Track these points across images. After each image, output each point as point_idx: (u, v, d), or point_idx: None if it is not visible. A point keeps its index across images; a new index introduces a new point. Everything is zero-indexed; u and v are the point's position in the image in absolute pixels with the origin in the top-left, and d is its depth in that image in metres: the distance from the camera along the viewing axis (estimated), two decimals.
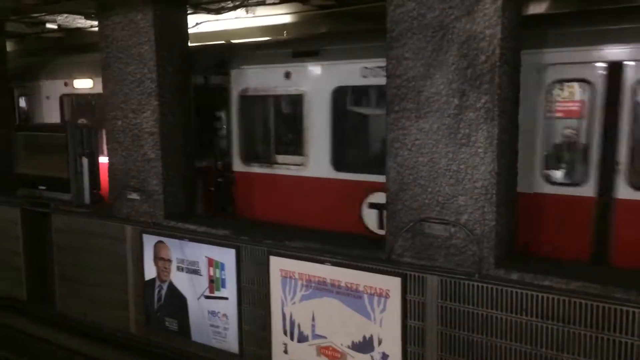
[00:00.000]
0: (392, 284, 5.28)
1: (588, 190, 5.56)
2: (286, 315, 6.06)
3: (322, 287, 5.75)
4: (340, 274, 5.61)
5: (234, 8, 9.50)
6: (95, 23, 10.55)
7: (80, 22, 10.86)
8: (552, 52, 5.62)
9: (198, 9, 9.05)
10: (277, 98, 7.72)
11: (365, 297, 5.47)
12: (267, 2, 9.26)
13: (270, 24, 9.93)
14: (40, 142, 8.85)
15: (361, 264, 5.48)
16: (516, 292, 4.72)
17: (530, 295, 4.65)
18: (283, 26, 9.78)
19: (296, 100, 7.40)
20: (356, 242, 5.93)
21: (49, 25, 11.28)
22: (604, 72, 5.46)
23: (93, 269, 7.81)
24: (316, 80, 7.16)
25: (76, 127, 8.46)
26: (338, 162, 7.14)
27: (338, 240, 6.04)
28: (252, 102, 7.83)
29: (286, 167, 7.61)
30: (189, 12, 7.90)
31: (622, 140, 5.37)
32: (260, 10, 9.92)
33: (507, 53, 4.84)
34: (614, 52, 5.42)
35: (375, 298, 5.40)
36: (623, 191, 5.39)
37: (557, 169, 5.92)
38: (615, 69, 5.39)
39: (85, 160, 8.27)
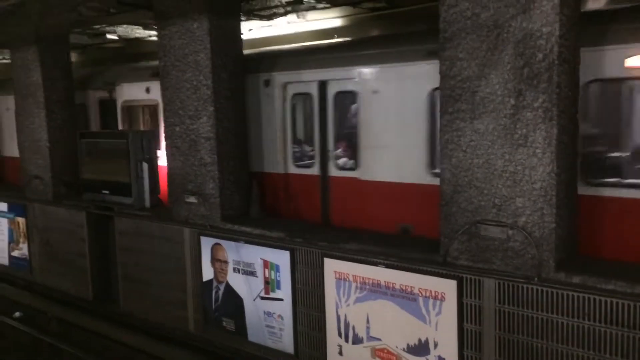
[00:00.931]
0: (447, 287, 5.23)
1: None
2: (341, 317, 6.10)
3: (376, 289, 5.76)
4: (395, 276, 5.60)
5: (285, 13, 9.63)
6: (153, 32, 11.01)
7: (139, 32, 11.27)
8: None
9: (251, 15, 9.23)
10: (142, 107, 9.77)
11: (420, 299, 5.44)
12: (318, 6, 9.34)
13: (321, 28, 9.99)
14: (102, 148, 9.23)
15: (416, 266, 5.46)
16: (578, 296, 4.59)
17: (593, 299, 4.51)
18: (334, 30, 9.82)
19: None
20: (411, 245, 5.91)
21: (109, 36, 11.76)
22: None
23: (154, 269, 8.09)
24: None
25: (136, 133, 8.80)
26: None
27: (392, 242, 6.04)
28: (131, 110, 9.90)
29: None
30: (242, 19, 8.08)
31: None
32: (311, 15, 10.00)
33: (565, 51, 4.72)
34: None
35: (431, 301, 5.37)
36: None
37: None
38: None
39: (145, 166, 8.58)
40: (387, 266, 5.65)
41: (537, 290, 4.78)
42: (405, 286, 5.52)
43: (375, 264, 5.73)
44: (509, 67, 4.86)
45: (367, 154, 6.88)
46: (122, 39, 12.10)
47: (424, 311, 5.42)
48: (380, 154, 6.74)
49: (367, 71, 6.82)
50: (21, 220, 10.35)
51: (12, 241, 10.67)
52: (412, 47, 6.56)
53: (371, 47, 7.20)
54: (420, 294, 5.44)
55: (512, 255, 4.99)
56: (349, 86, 7.07)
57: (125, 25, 10.74)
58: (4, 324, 9.09)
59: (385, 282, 5.67)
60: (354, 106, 7.18)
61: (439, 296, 5.30)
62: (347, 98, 7.25)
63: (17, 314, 9.37)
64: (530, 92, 4.77)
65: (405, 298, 5.54)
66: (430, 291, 5.36)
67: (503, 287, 4.94)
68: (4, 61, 15.62)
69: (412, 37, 7.01)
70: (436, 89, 5.78)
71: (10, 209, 10.60)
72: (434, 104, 6.12)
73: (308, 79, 7.43)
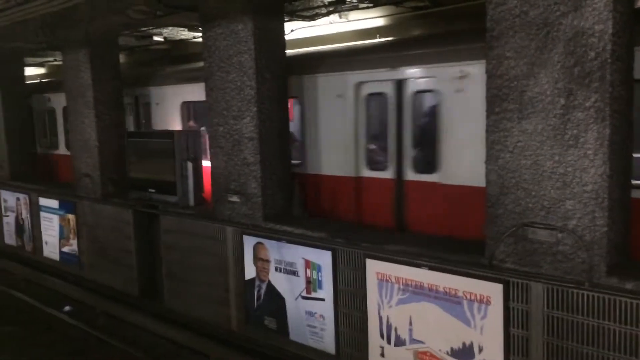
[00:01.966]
0: (493, 291, 5.13)
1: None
2: (383, 319, 6.06)
3: (419, 292, 5.70)
4: (439, 279, 5.53)
5: (328, 14, 9.62)
6: (198, 34, 11.19)
7: (184, 34, 11.46)
8: None
9: (293, 16, 9.26)
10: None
11: (465, 302, 5.36)
12: (360, 6, 9.30)
13: (364, 28, 9.96)
14: (149, 147, 9.45)
15: (460, 269, 5.38)
16: (631, 303, 4.43)
17: None
18: (376, 29, 9.77)
19: None
20: (455, 247, 5.82)
21: (155, 38, 12.01)
22: None
23: (197, 267, 8.23)
24: None
25: (181, 133, 8.98)
26: None
27: (436, 244, 5.97)
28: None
29: None
30: (285, 19, 8.13)
31: None
32: (354, 15, 9.97)
33: (619, 49, 4.55)
34: None
35: (476, 304, 5.28)
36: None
37: None
38: None
39: (189, 165, 8.75)
40: (431, 268, 5.58)
41: (587, 295, 4.64)
42: (450, 289, 5.45)
43: (419, 266, 5.68)
44: (559, 66, 4.73)
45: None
46: (167, 40, 12.33)
47: (468, 314, 5.33)
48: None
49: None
50: (71, 217, 10.71)
51: (63, 237, 11.05)
52: None
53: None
54: (464, 297, 5.36)
55: (562, 259, 4.86)
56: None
57: (171, 28, 10.94)
58: (54, 318, 9.41)
59: (428, 284, 5.61)
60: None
61: (485, 300, 5.20)
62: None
63: (66, 307, 9.67)
64: (581, 91, 4.63)
65: (449, 301, 5.47)
66: (475, 294, 5.27)
67: (552, 291, 4.81)
68: (56, 62, 16.22)
69: None
70: None
71: (61, 206, 10.98)
72: None
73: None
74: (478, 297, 5.26)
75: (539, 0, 4.78)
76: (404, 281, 5.81)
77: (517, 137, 5.01)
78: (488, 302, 5.19)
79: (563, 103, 4.73)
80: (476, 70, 6.23)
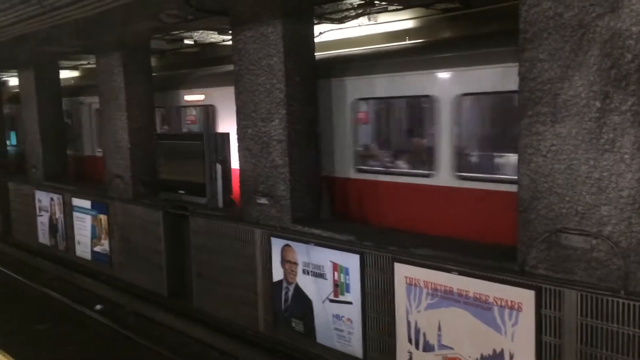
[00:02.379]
0: (525, 297, 5.04)
1: None
2: (411, 323, 6.01)
3: (448, 297, 5.64)
4: (469, 284, 5.46)
5: (357, 16, 9.60)
6: (227, 37, 11.29)
7: (214, 37, 11.58)
8: None
9: (322, 19, 9.27)
10: None
11: (496, 309, 5.28)
12: (390, 8, 9.26)
13: (393, 30, 9.91)
14: (179, 149, 9.57)
15: (491, 274, 5.30)
16: None
17: None
18: (405, 32, 9.71)
19: None
20: (486, 252, 5.74)
21: (186, 41, 12.17)
22: None
23: (226, 268, 8.30)
24: None
25: (211, 135, 9.07)
26: None
27: (466, 248, 5.90)
28: None
29: None
30: (314, 22, 8.15)
31: None
32: (383, 17, 9.93)
33: None
34: None
35: (507, 311, 5.19)
36: None
37: None
38: None
39: (218, 167, 8.83)
40: (461, 273, 5.51)
41: (623, 303, 4.52)
42: (480, 294, 5.37)
43: (448, 271, 5.61)
44: (595, 68, 4.62)
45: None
46: (197, 44, 12.48)
47: (499, 321, 5.25)
48: None
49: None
50: (103, 217, 10.91)
51: (95, 237, 11.27)
52: None
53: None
54: (495, 303, 5.27)
55: (596, 266, 4.74)
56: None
57: (201, 31, 11.07)
58: (86, 316, 9.59)
59: (458, 289, 5.54)
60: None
61: (516, 306, 5.11)
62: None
63: (97, 306, 9.85)
64: (618, 94, 4.52)
65: (479, 307, 5.39)
66: (507, 301, 5.18)
67: (586, 299, 4.70)
68: (89, 66, 16.57)
69: None
70: None
71: (93, 206, 11.20)
72: None
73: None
74: (509, 304, 5.17)
75: (574, 1, 4.69)
76: (432, 286, 5.76)
77: (550, 140, 4.92)
78: (519, 309, 5.10)
79: (599, 106, 4.62)
80: None
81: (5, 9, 8.52)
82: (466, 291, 5.48)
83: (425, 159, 7.18)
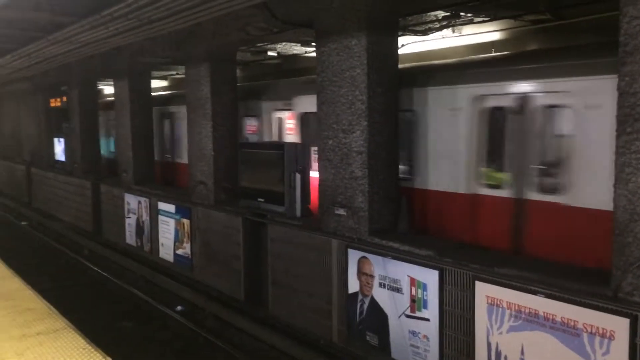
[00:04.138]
0: (618, 325, 4.74)
1: None
2: (491, 345, 5.80)
3: (533, 320, 5.40)
4: (556, 308, 5.20)
5: (441, 28, 9.50)
6: (310, 49, 11.49)
7: (297, 48, 11.83)
8: None
9: (405, 31, 9.23)
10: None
11: (585, 336, 4.99)
12: (475, 20, 9.08)
13: (478, 42, 9.71)
14: (260, 158, 9.80)
15: (581, 299, 5.02)
16: None
17: None
18: (491, 44, 9.49)
19: None
20: (576, 274, 5.45)
21: (270, 53, 12.50)
22: None
23: (302, 277, 8.37)
24: None
25: (291, 145, 9.22)
26: None
27: (554, 270, 5.63)
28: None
29: None
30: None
31: None
32: (468, 29, 9.76)
33: None
34: None
35: (597, 338, 4.90)
36: None
37: None
38: None
39: (298, 176, 8.95)
40: (547, 296, 5.26)
41: None
42: (568, 319, 5.11)
43: (534, 293, 5.38)
44: None
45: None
46: (280, 55, 12.78)
47: (588, 349, 4.96)
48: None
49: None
50: (186, 221, 11.34)
51: (177, 240, 11.73)
52: None
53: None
54: (584, 330, 4.99)
55: None
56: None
57: (284, 43, 11.33)
58: (167, 316, 9.97)
59: (544, 312, 5.30)
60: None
61: (608, 334, 4.82)
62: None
63: (178, 307, 10.22)
64: None
65: (566, 332, 5.12)
66: (597, 328, 4.89)
67: None
68: (177, 76, 17.38)
69: None
70: None
71: (177, 211, 11.67)
72: None
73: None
74: (600, 331, 4.88)
75: None
76: (516, 307, 5.53)
77: None
78: (612, 337, 4.80)
79: None
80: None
81: (106, 22, 9.09)
82: (553, 315, 5.23)
83: None
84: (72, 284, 12.11)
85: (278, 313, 8.96)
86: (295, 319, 8.58)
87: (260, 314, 9.23)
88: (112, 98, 15.52)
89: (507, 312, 5.62)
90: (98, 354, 5.26)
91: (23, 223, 18.96)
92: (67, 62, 14.58)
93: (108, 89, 21.04)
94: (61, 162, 18.78)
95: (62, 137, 18.57)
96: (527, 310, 5.44)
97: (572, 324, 5.07)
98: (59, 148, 18.94)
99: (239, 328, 9.10)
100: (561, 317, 5.15)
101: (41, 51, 12.55)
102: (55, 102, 18.79)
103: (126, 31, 9.50)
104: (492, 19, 8.72)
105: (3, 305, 6.75)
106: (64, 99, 17.91)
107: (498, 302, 5.71)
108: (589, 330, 4.96)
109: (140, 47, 12.46)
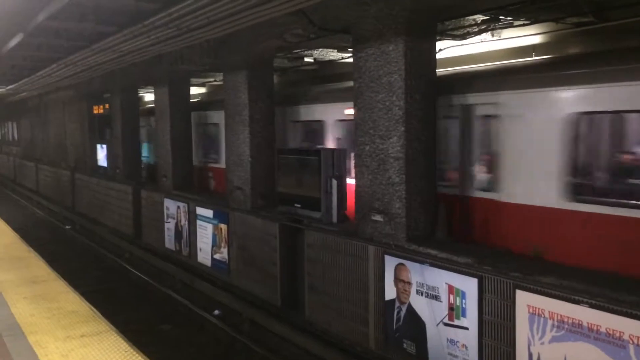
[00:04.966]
0: None
1: None
2: (533, 355, 5.67)
3: (577, 330, 5.25)
4: (600, 318, 5.05)
5: (480, 32, 9.36)
6: (346, 55, 11.50)
7: (333, 54, 11.86)
8: None
9: (443, 35, 9.14)
10: None
11: (631, 347, 4.83)
12: (516, 23, 8.92)
13: (518, 46, 9.53)
14: (297, 164, 9.85)
15: (627, 309, 4.86)
16: None
17: None
18: (532, 47, 9.30)
19: None
20: (622, 284, 5.27)
21: (306, 59, 12.57)
22: None
23: (338, 283, 8.36)
24: None
25: (328, 151, 9.23)
26: None
27: (598, 279, 5.45)
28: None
29: None
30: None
31: None
32: (507, 33, 9.59)
33: None
34: None
35: None
36: None
37: None
38: None
39: (334, 182, 8.96)
40: (592, 306, 5.11)
41: None
42: (613, 330, 4.94)
43: (577, 302, 5.23)
44: None
45: None
46: (316, 61, 12.83)
47: None
48: None
49: None
50: (223, 226, 11.48)
51: (215, 245, 11.87)
52: None
53: None
54: (631, 341, 4.83)
55: None
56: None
57: (321, 49, 11.38)
58: (205, 320, 10.10)
59: (588, 323, 5.14)
60: None
61: None
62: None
63: (216, 311, 10.32)
64: None
65: (612, 344, 4.96)
66: None
67: None
68: (215, 83, 17.65)
69: None
70: None
71: (215, 216, 11.83)
72: None
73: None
74: None
75: None
76: (559, 317, 5.39)
77: None
78: None
79: None
80: None
81: (147, 31, 9.31)
82: (597, 325, 5.07)
83: None
84: (114, 287, 12.41)
85: (314, 319, 8.96)
86: (331, 325, 8.56)
87: (297, 320, 9.24)
88: (152, 105, 15.88)
89: (550, 322, 5.48)
90: (140, 357, 5.37)
91: (67, 227, 19.54)
92: (110, 70, 14.98)
93: (148, 96, 21.55)
94: (104, 167, 19.30)
95: (104, 144, 19.09)
96: (570, 321, 5.29)
97: (618, 335, 4.91)
98: (102, 154, 19.47)
99: (275, 333, 9.12)
100: (606, 328, 5.00)
101: (85, 60, 12.94)
102: (98, 109, 19.33)
103: (166, 40, 9.71)
104: (533, 22, 8.55)
105: (48, 307, 6.97)
106: (107, 106, 18.42)
107: (540, 312, 5.57)
108: (636, 341, 4.79)
109: (179, 55, 12.71)
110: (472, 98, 7.72)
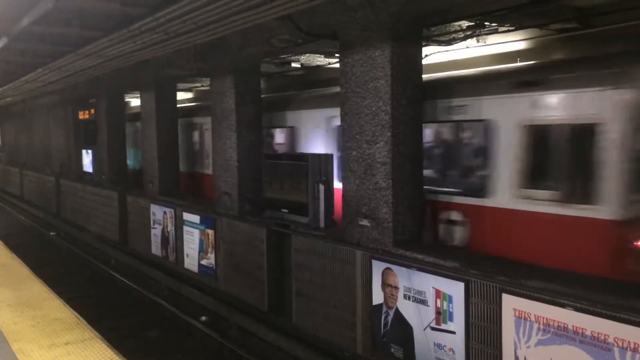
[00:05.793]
0: None
1: None
2: (519, 359, 5.69)
3: (562, 333, 5.29)
4: (586, 321, 5.09)
5: (465, 38, 9.44)
6: (333, 60, 11.54)
7: (320, 60, 11.88)
8: None
9: (429, 41, 9.21)
10: None
11: (616, 350, 4.87)
12: (500, 30, 9.01)
13: (502, 52, 9.63)
14: (284, 169, 9.83)
15: (612, 312, 4.90)
16: None
17: None
18: (517, 53, 9.40)
19: None
20: (606, 287, 5.33)
21: (293, 64, 12.58)
22: None
23: (325, 288, 8.35)
24: None
25: (315, 156, 9.24)
26: None
27: (584, 282, 5.51)
28: None
29: None
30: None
31: None
32: (492, 38, 9.69)
33: None
34: None
35: (629, 353, 4.77)
36: None
37: None
38: None
39: (321, 187, 8.96)
40: (577, 309, 5.16)
41: None
42: (598, 333, 4.99)
43: (562, 306, 5.27)
44: None
45: None
46: (303, 66, 12.85)
47: None
48: None
49: None
50: (210, 232, 11.42)
51: (202, 250, 11.81)
52: None
53: None
54: (616, 344, 4.87)
55: None
56: None
57: (308, 54, 11.40)
58: (192, 326, 10.04)
59: (573, 326, 5.18)
60: None
61: None
62: None
63: (203, 317, 10.27)
64: None
65: (597, 347, 5.00)
66: (629, 342, 4.77)
67: None
68: (202, 88, 17.60)
69: None
70: None
71: (202, 221, 11.77)
72: None
73: None
74: (632, 346, 4.75)
75: None
76: (545, 321, 5.43)
77: None
78: None
79: None
80: None
81: (134, 36, 9.27)
82: (583, 329, 5.12)
83: None
84: (99, 293, 12.30)
85: (302, 324, 8.94)
86: (319, 330, 8.55)
87: (284, 325, 9.22)
88: (139, 110, 15.79)
89: (536, 325, 5.52)
90: None
91: (52, 233, 19.34)
92: (96, 75, 14.88)
93: (135, 102, 21.43)
94: (89, 173, 19.14)
95: (90, 149, 18.94)
96: (555, 324, 5.33)
97: (603, 338, 4.95)
98: (87, 160, 19.31)
99: (262, 338, 9.10)
100: (591, 331, 5.04)
101: (70, 65, 12.83)
102: (83, 115, 19.18)
103: (153, 45, 9.67)
104: (518, 28, 8.64)
105: (32, 314, 6.87)
106: (92, 111, 18.28)
107: (526, 315, 5.61)
108: (621, 344, 4.83)
109: (166, 60, 12.66)
110: None
